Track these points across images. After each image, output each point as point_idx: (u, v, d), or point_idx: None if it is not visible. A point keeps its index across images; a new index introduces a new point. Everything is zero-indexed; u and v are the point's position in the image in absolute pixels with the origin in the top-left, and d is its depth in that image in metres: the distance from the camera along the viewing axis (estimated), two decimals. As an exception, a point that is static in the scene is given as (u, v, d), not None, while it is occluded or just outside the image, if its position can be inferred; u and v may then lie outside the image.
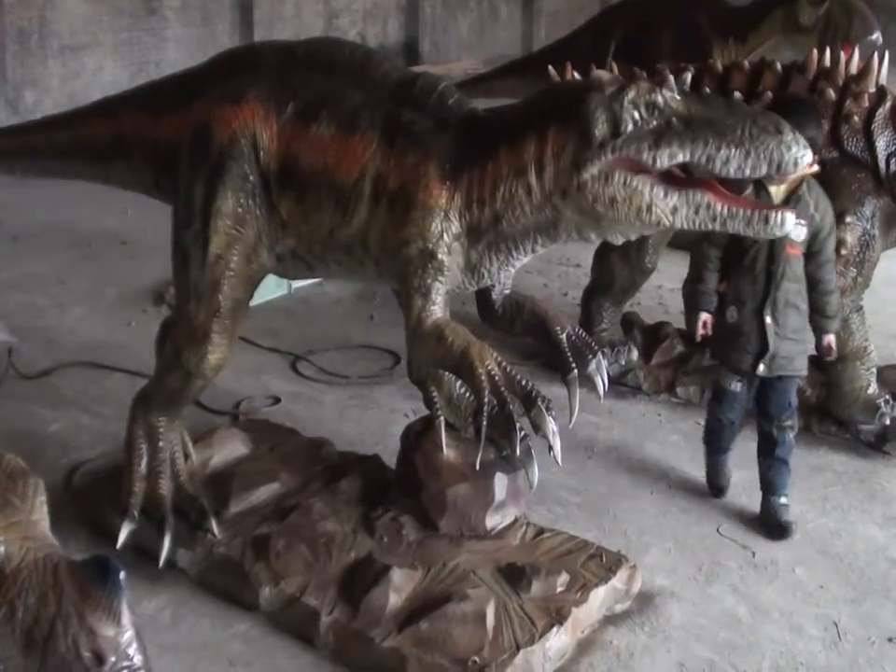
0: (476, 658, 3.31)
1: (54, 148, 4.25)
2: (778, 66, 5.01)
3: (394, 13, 15.69)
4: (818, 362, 5.16)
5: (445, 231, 3.41)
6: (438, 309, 3.43)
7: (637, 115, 3.16)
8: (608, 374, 5.25)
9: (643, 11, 8.29)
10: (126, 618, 1.91)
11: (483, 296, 3.79)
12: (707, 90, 5.00)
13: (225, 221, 3.63)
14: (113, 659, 1.89)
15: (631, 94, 3.17)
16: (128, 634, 1.91)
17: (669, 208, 3.20)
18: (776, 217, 3.16)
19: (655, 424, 5.11)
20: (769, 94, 4.90)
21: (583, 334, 3.70)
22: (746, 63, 5.14)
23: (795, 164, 3.07)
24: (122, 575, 1.94)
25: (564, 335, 3.65)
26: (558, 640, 3.44)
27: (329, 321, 6.43)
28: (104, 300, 6.60)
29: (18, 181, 9.18)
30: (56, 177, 4.43)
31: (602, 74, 3.37)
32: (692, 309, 5.79)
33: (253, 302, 6.22)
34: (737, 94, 4.93)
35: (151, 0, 12.16)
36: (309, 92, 3.60)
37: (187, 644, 3.52)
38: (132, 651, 1.89)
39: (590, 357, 3.63)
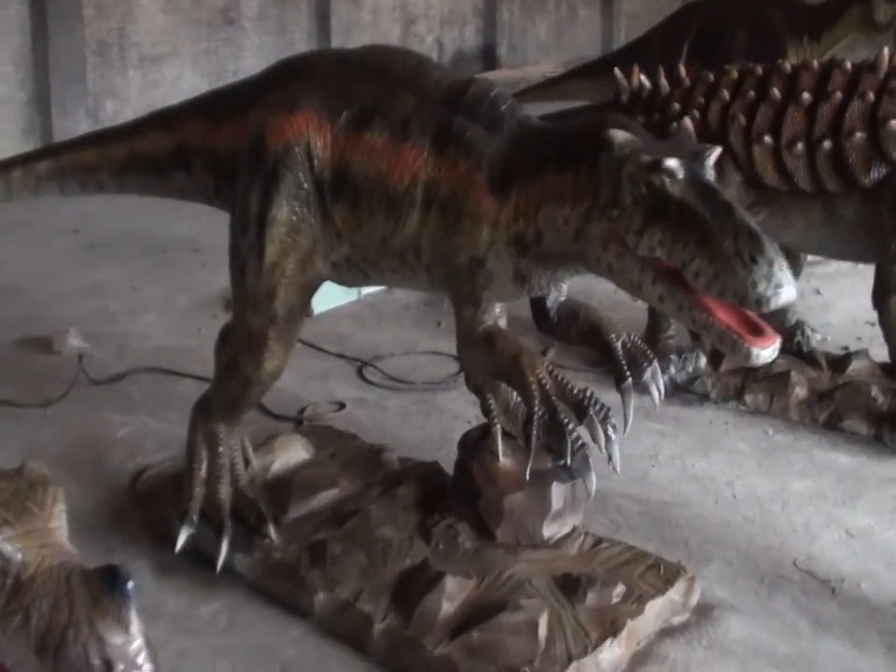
0: (527, 669, 3.27)
1: (110, 162, 4.25)
2: (848, 66, 4.89)
3: (471, 18, 15.72)
4: (889, 370, 5.05)
5: (495, 240, 3.38)
6: (488, 317, 3.42)
7: (635, 191, 3.01)
8: (675, 381, 5.28)
9: (717, 10, 8.17)
10: (135, 627, 1.92)
11: (539, 303, 3.76)
12: (776, 90, 4.92)
13: (280, 229, 3.65)
14: (122, 667, 1.91)
15: (629, 169, 3.02)
16: (137, 643, 1.93)
17: (656, 295, 3.07)
18: (742, 347, 2.93)
19: (722, 432, 5.02)
20: (838, 94, 4.80)
21: (639, 342, 3.65)
22: (815, 63, 5.02)
23: (758, 304, 2.80)
24: (131, 584, 1.96)
25: (619, 343, 3.60)
26: (612, 652, 3.38)
27: (397, 327, 6.45)
28: (175, 306, 6.70)
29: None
30: (111, 192, 4.41)
31: (616, 134, 3.11)
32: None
33: (322, 309, 6.40)
34: (806, 95, 4.85)
35: (229, 10, 12.35)
36: (362, 100, 3.61)
37: (241, 648, 3.54)
38: (140, 659, 1.91)
39: (645, 365, 3.58)
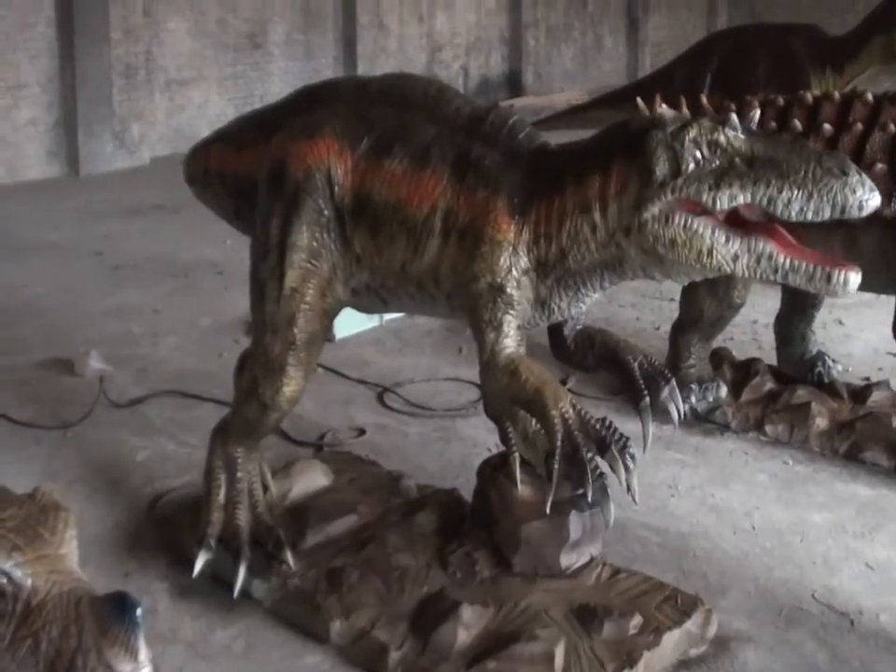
0: (542, 700, 3.26)
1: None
2: (869, 97, 4.88)
3: (497, 45, 15.79)
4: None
5: (514, 265, 3.40)
6: (511, 342, 3.42)
7: (698, 154, 3.11)
8: (696, 410, 5.26)
9: (740, 41, 8.20)
10: (143, 654, 1.92)
11: (556, 331, 3.76)
12: (797, 121, 4.92)
13: (300, 255, 3.67)
14: (130, 694, 1.91)
15: (692, 133, 3.13)
16: (145, 671, 1.92)
17: (731, 255, 3.13)
18: (838, 275, 3.04)
19: (742, 462, 5.00)
20: (859, 126, 4.79)
21: (656, 362, 3.65)
22: (836, 94, 5.02)
23: (860, 208, 2.96)
24: (140, 612, 1.95)
25: (636, 364, 3.60)
26: (628, 684, 3.37)
27: (419, 353, 6.45)
28: (197, 329, 6.73)
29: (118, 215, 9.54)
30: None
31: (665, 111, 3.29)
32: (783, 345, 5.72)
33: (343, 334, 6.40)
34: (827, 126, 4.84)
35: (256, 35, 12.45)
36: (383, 127, 3.63)
37: (257, 674, 3.55)
38: (149, 687, 1.91)
39: (663, 384, 3.58)
